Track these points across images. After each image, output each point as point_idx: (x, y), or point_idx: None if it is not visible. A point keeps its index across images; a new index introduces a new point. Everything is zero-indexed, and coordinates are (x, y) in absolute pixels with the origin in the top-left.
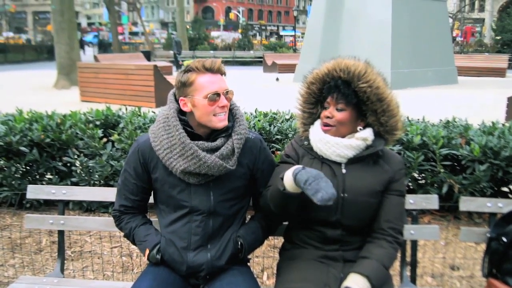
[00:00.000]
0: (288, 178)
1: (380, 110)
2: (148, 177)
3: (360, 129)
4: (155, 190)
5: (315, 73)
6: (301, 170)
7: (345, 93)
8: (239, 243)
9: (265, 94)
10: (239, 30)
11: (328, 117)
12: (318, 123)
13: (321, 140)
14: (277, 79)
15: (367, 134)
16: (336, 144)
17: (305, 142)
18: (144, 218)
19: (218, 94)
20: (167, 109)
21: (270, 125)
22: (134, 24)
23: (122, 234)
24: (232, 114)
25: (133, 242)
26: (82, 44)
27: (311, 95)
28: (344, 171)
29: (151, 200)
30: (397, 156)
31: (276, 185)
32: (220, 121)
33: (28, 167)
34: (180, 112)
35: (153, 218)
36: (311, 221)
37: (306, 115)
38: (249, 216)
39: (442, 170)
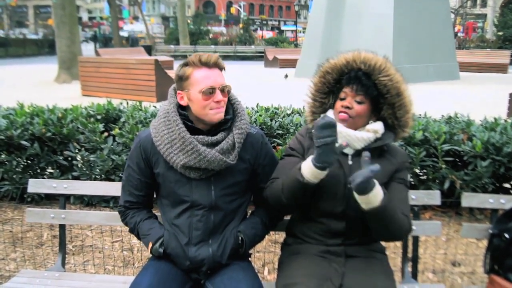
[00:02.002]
0: (308, 166)
1: (398, 104)
2: (151, 172)
3: (371, 122)
4: (157, 184)
5: (333, 63)
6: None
7: (366, 84)
8: (240, 238)
9: (266, 89)
10: (240, 25)
11: (347, 107)
12: (331, 112)
13: None
14: (286, 75)
15: (378, 127)
16: (348, 135)
17: (313, 130)
18: (149, 212)
19: (213, 89)
20: (167, 104)
21: (271, 120)
22: (135, 18)
23: (123, 228)
24: (233, 108)
25: (138, 237)
26: (96, 38)
27: (325, 85)
28: (350, 162)
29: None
30: (402, 150)
31: (293, 176)
32: (216, 114)
33: (29, 161)
34: (181, 107)
35: (158, 213)
36: (316, 212)
37: (317, 104)
38: (250, 211)
39: (444, 166)
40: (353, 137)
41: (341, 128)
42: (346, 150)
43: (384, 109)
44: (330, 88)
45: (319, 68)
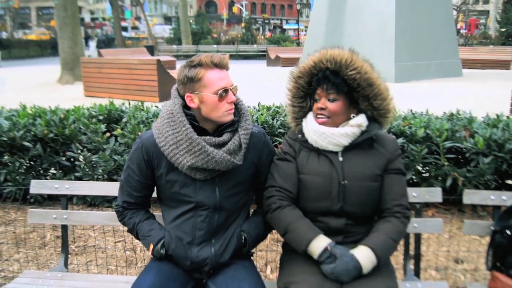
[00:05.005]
0: (316, 251)
1: (372, 94)
2: (152, 174)
3: (353, 116)
4: (158, 186)
5: (301, 67)
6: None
7: (335, 82)
8: (243, 237)
9: (268, 88)
10: (242, 24)
11: (322, 108)
12: (311, 115)
13: (316, 132)
14: None
15: (361, 120)
16: (332, 134)
17: (299, 136)
18: (147, 213)
19: (226, 90)
20: (171, 105)
21: (273, 119)
22: (137, 18)
23: (126, 228)
24: (237, 109)
25: (137, 237)
26: (87, 39)
27: (299, 89)
28: (341, 159)
29: (154, 194)
30: (390, 137)
31: (300, 240)
32: (228, 115)
33: (32, 162)
34: (185, 107)
35: (157, 213)
36: (314, 212)
37: (296, 109)
38: (252, 210)
39: (446, 163)
40: (337, 135)
41: (323, 129)
42: (335, 148)
43: (360, 102)
44: (305, 91)
45: (291, 74)
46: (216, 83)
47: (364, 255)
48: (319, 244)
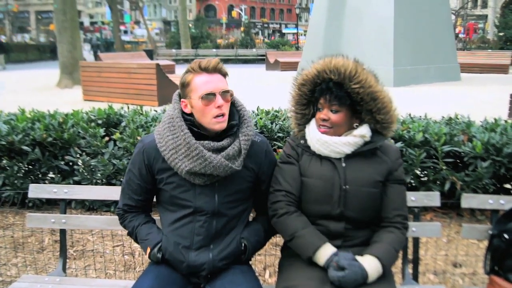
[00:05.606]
0: (322, 260)
1: (375, 109)
2: (152, 178)
3: (356, 125)
4: (158, 190)
5: (305, 75)
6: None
7: (338, 95)
8: (243, 244)
9: (267, 92)
10: (242, 28)
11: (324, 119)
12: (313, 123)
13: (318, 140)
14: None
15: (364, 131)
16: (334, 143)
17: (302, 141)
18: (147, 216)
19: (213, 94)
20: (171, 110)
21: (272, 123)
22: (137, 23)
23: (124, 232)
24: (239, 114)
25: (136, 241)
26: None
27: (302, 97)
28: (344, 164)
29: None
30: (393, 146)
31: (307, 247)
32: (218, 123)
33: (30, 166)
34: (186, 113)
35: (157, 217)
36: (314, 215)
37: (299, 116)
38: (252, 216)
39: (444, 167)
40: (339, 144)
41: (325, 138)
42: (337, 155)
43: (364, 115)
44: (308, 99)
45: (294, 81)
46: (201, 87)
47: (370, 264)
48: (326, 252)
